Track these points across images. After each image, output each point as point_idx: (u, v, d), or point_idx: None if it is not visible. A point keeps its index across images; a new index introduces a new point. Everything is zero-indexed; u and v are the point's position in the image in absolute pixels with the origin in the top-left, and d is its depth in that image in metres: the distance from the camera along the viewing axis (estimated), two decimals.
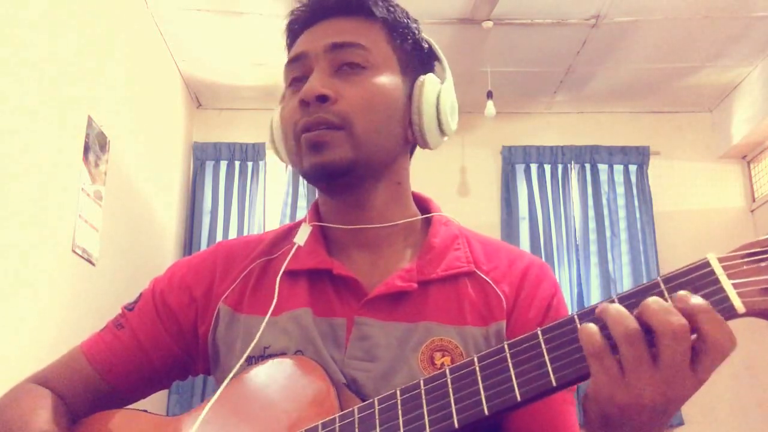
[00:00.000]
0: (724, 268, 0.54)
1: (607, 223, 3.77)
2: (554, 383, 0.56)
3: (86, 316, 2.32)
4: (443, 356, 0.75)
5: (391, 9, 0.84)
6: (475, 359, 0.60)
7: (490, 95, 3.37)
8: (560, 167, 3.87)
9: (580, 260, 3.71)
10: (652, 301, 0.53)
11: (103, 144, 2.50)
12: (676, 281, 0.55)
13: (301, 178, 3.76)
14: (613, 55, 3.39)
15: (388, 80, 0.80)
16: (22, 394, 0.80)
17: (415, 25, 0.86)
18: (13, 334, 1.89)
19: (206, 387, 3.47)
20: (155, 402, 3.21)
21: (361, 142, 0.77)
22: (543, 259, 3.64)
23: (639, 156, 3.85)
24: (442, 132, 0.84)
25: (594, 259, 3.73)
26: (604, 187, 3.85)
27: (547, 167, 3.88)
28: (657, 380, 0.52)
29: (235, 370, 0.75)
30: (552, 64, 3.49)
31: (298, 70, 0.81)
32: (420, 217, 0.86)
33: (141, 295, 0.88)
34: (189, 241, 3.68)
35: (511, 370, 0.58)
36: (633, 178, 3.84)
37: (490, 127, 3.78)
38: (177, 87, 3.58)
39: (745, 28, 3.14)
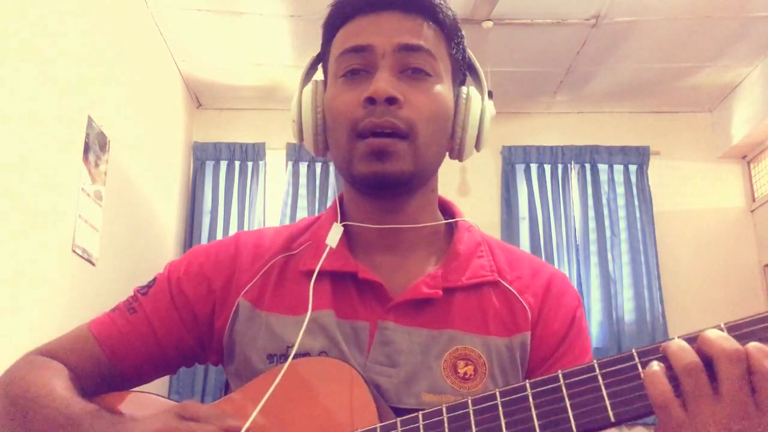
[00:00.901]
0: None
1: (607, 223, 3.77)
2: (612, 419, 0.56)
3: (86, 316, 2.29)
4: (466, 365, 0.74)
5: (451, 15, 0.82)
6: (527, 385, 0.60)
7: (490, 95, 3.35)
8: (560, 167, 3.87)
9: (580, 260, 3.71)
10: (710, 331, 0.55)
11: (103, 144, 2.50)
12: (741, 330, 0.56)
13: (300, 178, 3.77)
14: (613, 55, 3.39)
15: (445, 91, 0.80)
16: (35, 363, 0.79)
17: (463, 33, 0.84)
18: (13, 334, 1.89)
19: (206, 385, 3.47)
20: None
21: (420, 155, 0.76)
22: (543, 259, 3.64)
23: (639, 156, 3.85)
24: (477, 147, 0.84)
25: (594, 259, 3.74)
26: (604, 187, 3.85)
27: (547, 167, 3.88)
28: (719, 414, 0.53)
29: (283, 371, 0.72)
30: (552, 64, 3.49)
31: (358, 61, 0.78)
32: (447, 221, 0.86)
33: (155, 279, 0.85)
34: (189, 241, 3.68)
35: (566, 400, 0.58)
36: (633, 178, 3.84)
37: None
38: (177, 87, 3.58)
39: (745, 28, 3.14)
